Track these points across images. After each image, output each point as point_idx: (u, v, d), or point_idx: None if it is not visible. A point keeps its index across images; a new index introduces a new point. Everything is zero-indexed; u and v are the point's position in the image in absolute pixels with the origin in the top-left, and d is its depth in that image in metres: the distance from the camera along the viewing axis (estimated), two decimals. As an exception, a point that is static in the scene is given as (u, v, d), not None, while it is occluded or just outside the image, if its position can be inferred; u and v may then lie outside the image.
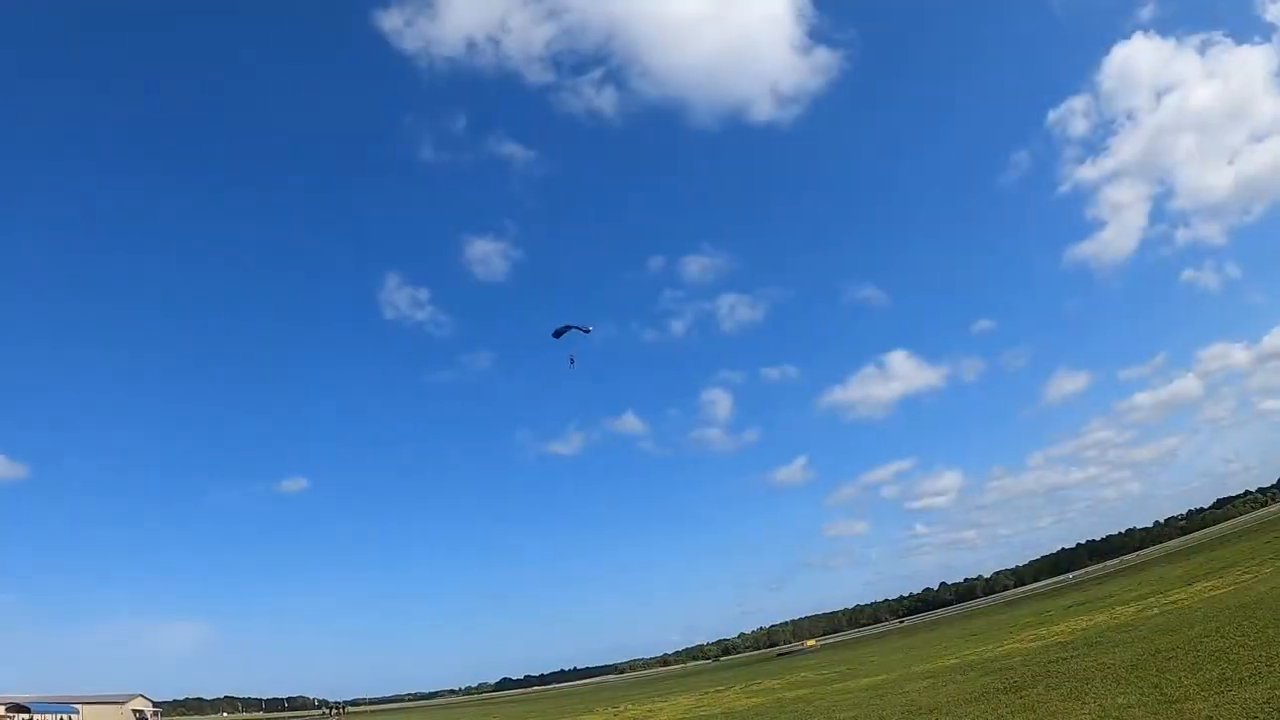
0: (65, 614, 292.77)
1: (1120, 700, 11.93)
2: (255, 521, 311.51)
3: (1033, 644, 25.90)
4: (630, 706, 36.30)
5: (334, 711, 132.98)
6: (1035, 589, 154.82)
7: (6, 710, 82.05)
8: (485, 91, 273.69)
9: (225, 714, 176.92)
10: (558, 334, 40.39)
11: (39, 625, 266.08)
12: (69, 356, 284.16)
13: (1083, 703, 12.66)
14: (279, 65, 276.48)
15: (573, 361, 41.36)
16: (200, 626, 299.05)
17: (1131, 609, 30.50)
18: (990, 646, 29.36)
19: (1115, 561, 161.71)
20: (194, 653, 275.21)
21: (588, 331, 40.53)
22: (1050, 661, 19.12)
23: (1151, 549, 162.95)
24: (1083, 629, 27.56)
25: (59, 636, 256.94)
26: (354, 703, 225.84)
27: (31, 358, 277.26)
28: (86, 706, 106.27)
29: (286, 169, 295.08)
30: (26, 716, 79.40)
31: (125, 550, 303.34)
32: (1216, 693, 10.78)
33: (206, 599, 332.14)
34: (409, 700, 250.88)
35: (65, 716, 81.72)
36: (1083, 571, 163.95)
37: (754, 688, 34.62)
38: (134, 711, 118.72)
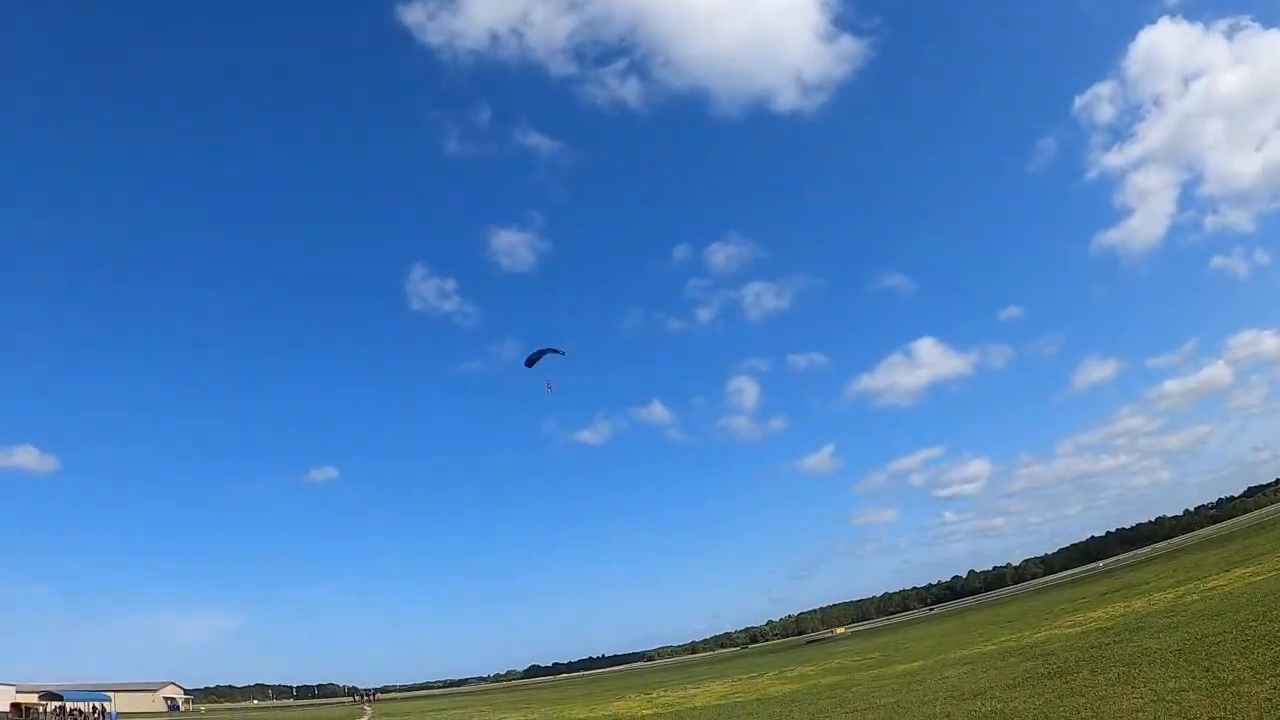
0: (97, 604, 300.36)
1: (1172, 684, 11.85)
2: (285, 511, 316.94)
3: (1071, 630, 25.73)
4: (663, 692, 36.57)
5: (363, 699, 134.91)
6: (1066, 576, 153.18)
7: (40, 699, 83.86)
8: (509, 84, 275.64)
9: (256, 700, 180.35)
10: (530, 362, 40.36)
11: (72, 616, 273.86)
12: (99, 350, 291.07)
13: (1133, 686, 12.58)
14: (305, 62, 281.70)
15: (550, 387, 41.58)
16: (231, 616, 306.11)
17: (1170, 595, 30.12)
18: (1027, 633, 29.21)
19: (1146, 549, 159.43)
20: (225, 642, 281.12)
21: (562, 353, 40.47)
22: (1092, 647, 19.01)
23: (1183, 537, 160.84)
24: (1122, 615, 27.29)
25: (92, 626, 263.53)
26: (384, 690, 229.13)
27: (61, 351, 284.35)
28: (118, 694, 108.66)
29: (313, 164, 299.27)
30: (59, 704, 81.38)
31: (156, 541, 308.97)
32: (1272, 675, 10.67)
33: (237, 588, 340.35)
34: (438, 688, 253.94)
35: (98, 704, 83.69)
36: (1113, 560, 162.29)
37: (788, 674, 34.73)
38: (165, 699, 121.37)
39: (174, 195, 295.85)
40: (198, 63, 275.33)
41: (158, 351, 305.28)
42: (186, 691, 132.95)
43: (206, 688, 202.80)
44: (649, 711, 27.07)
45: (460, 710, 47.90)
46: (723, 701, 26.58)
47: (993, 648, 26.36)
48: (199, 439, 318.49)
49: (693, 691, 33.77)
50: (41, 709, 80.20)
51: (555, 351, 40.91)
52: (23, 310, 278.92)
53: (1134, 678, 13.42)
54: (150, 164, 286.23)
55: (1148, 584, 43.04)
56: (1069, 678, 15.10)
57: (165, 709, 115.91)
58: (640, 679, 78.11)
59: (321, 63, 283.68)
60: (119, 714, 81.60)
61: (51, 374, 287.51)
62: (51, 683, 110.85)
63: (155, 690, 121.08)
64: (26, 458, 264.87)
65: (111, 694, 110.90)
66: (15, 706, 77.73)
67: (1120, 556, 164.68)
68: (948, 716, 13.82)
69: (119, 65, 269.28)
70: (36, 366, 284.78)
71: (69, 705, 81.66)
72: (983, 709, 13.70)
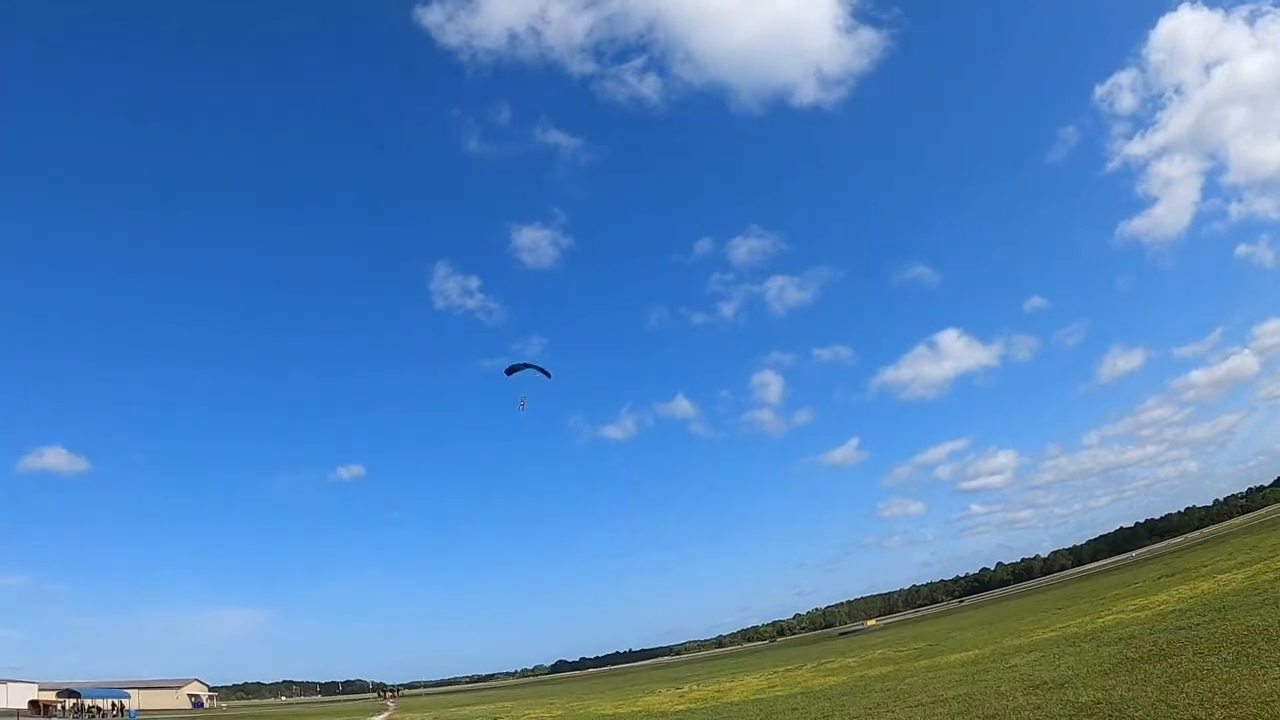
0: (128, 603, 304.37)
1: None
2: (314, 509, 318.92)
3: (1141, 614, 23.62)
4: (695, 686, 34.74)
5: (386, 694, 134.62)
6: (1100, 566, 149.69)
7: (58, 695, 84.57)
8: (529, 82, 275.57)
9: (284, 697, 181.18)
10: (510, 371, 39.12)
11: (102, 614, 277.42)
12: (127, 352, 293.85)
13: (1261, 667, 10.69)
14: (325, 65, 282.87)
15: (523, 405, 40.32)
16: (259, 613, 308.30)
17: (1240, 576, 27.87)
18: (1087, 619, 27.06)
19: (1179, 539, 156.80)
20: (254, 639, 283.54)
21: (547, 375, 39.30)
22: (1179, 628, 17.00)
23: (1215, 526, 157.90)
24: (1193, 596, 25.18)
25: (122, 624, 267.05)
26: (410, 686, 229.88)
27: (91, 353, 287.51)
28: (143, 691, 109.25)
29: (335, 165, 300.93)
30: (77, 701, 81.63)
31: (185, 540, 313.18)
32: None
33: (266, 586, 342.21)
34: (466, 683, 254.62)
35: (117, 701, 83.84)
36: (1145, 550, 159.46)
37: (828, 666, 32.78)
38: (189, 696, 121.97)
39: (201, 196, 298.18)
40: (219, 69, 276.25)
41: (186, 352, 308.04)
42: (211, 688, 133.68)
43: (234, 684, 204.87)
44: (682, 706, 25.28)
45: (484, 706, 46.44)
46: (761, 695, 24.74)
47: (1053, 634, 24.29)
48: (228, 439, 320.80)
49: (726, 685, 31.93)
50: (60, 706, 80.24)
51: (540, 371, 39.99)
52: (51, 313, 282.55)
53: (1256, 657, 11.51)
54: (176, 164, 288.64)
55: (1205, 567, 40.72)
56: (1170, 661, 13.14)
57: (190, 706, 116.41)
58: (669, 673, 76.40)
59: (341, 66, 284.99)
60: (138, 711, 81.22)
61: (81, 376, 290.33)
62: (82, 680, 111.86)
63: (179, 688, 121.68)
64: (57, 459, 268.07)
65: (136, 691, 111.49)
66: (34, 704, 78.17)
67: (1153, 546, 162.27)
68: (1038, 709, 11.90)
69: (142, 69, 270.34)
70: (66, 369, 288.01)
71: (87, 702, 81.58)
72: (1081, 699, 11.75)
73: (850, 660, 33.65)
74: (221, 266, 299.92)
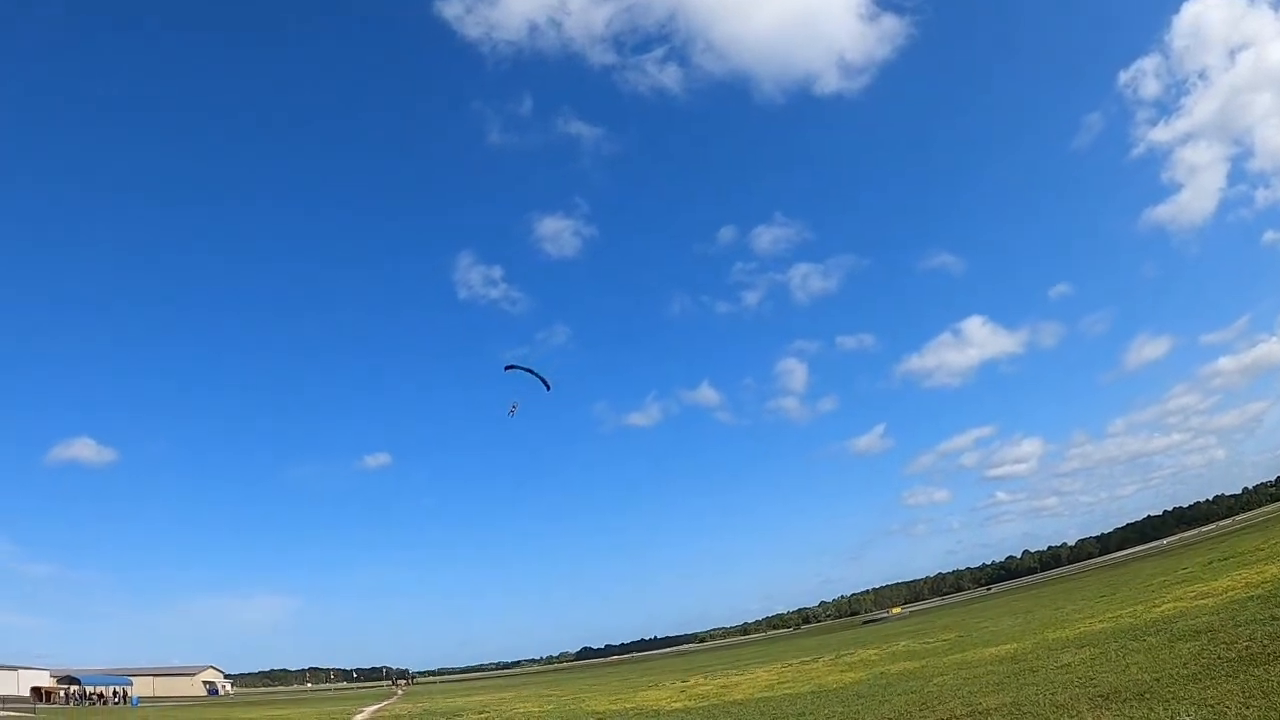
0: (156, 591, 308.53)
1: None
2: (340, 497, 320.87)
3: (1206, 601, 20.36)
4: (704, 679, 31.98)
5: (400, 682, 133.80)
6: (1131, 554, 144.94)
7: (58, 682, 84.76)
8: (550, 73, 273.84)
9: (310, 684, 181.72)
10: (509, 367, 37.34)
11: (130, 602, 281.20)
12: (154, 342, 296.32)
13: None
14: (346, 58, 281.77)
15: (513, 411, 38.55)
16: (288, 600, 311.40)
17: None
18: (1141, 607, 23.79)
19: (1212, 527, 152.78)
20: (282, 626, 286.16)
21: (547, 387, 37.44)
22: (1274, 619, 13.86)
23: (1250, 513, 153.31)
24: (1265, 581, 21.93)
25: (150, 612, 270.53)
26: (436, 673, 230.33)
27: (118, 344, 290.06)
28: (158, 679, 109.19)
29: (358, 157, 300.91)
30: (78, 688, 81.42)
31: (212, 528, 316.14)
32: None
33: (294, 574, 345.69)
34: (492, 670, 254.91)
35: (119, 688, 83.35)
36: (1176, 538, 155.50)
37: (846, 659, 29.75)
38: (205, 683, 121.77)
39: (224, 188, 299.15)
40: (242, 62, 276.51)
41: (211, 343, 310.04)
42: (228, 675, 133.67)
43: (261, 671, 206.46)
44: (679, 704, 22.46)
45: (484, 695, 44.10)
46: (768, 693, 21.84)
47: (1105, 625, 21.07)
48: (254, 429, 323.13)
49: (736, 679, 29.07)
50: (61, 693, 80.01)
51: (541, 380, 38.04)
52: (78, 304, 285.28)
53: None
54: (199, 156, 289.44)
55: (1260, 551, 37.29)
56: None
57: (204, 693, 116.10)
58: (686, 662, 73.86)
59: (362, 59, 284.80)
60: (140, 699, 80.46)
61: (109, 368, 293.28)
62: (101, 667, 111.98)
63: (194, 675, 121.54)
64: (85, 450, 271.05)
65: (152, 678, 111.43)
66: (36, 690, 78.29)
67: (1184, 534, 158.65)
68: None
69: (165, 62, 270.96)
70: (94, 361, 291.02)
71: (88, 689, 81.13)
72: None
73: (871, 652, 30.58)
74: (246, 258, 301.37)
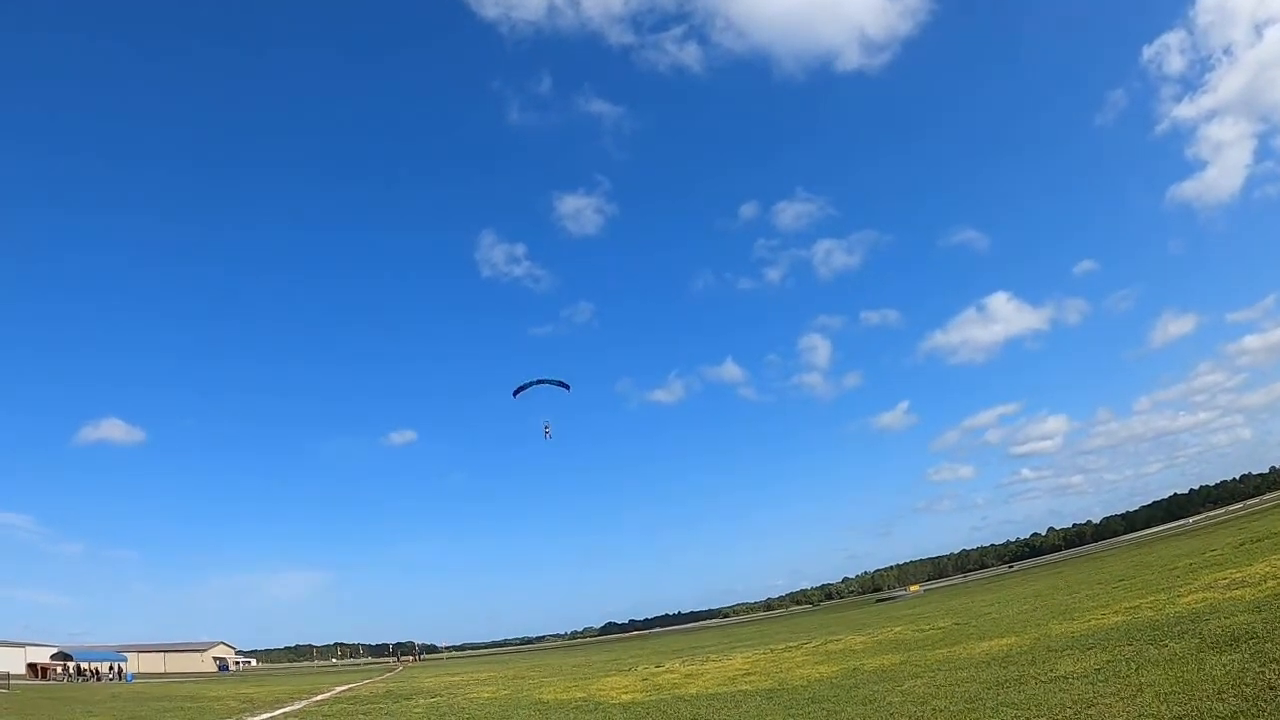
0: (184, 569, 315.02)
1: None
2: (367, 473, 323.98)
3: (1237, 593, 17.15)
4: (679, 665, 29.41)
5: (405, 658, 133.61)
6: (1156, 533, 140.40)
7: (51, 658, 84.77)
8: (569, 53, 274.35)
9: (334, 660, 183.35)
10: (518, 391, 34.69)
11: (160, 580, 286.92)
12: (183, 322, 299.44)
13: None
14: (366, 40, 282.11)
15: (548, 432, 35.84)
16: (314, 577, 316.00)
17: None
18: (1162, 596, 20.55)
19: (1240, 505, 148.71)
20: (308, 602, 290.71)
21: (567, 388, 34.77)
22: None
23: (1277, 493, 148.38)
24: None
25: (179, 590, 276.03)
26: (460, 648, 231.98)
27: (147, 325, 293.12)
28: (169, 654, 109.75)
29: (380, 140, 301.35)
30: (74, 664, 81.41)
31: (240, 507, 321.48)
32: None
33: (320, 551, 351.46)
34: (515, 644, 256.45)
35: (114, 664, 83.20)
36: (1205, 515, 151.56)
37: (830, 647, 26.88)
38: (215, 659, 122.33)
39: (249, 167, 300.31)
40: (262, 45, 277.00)
41: (238, 322, 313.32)
42: (239, 651, 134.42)
43: (286, 647, 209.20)
44: (629, 696, 19.88)
45: (458, 676, 42.25)
46: (725, 687, 19.11)
47: (1120, 619, 17.91)
48: (281, 406, 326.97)
49: (705, 667, 26.41)
50: (57, 669, 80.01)
51: (560, 385, 35.28)
52: (106, 285, 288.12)
53: None
54: (218, 135, 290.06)
55: (1301, 532, 33.88)
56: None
57: (215, 669, 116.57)
58: (686, 641, 71.65)
59: (382, 40, 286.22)
60: (134, 674, 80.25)
61: (137, 349, 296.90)
62: (127, 643, 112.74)
63: (205, 650, 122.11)
64: (114, 430, 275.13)
65: (163, 654, 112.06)
66: (31, 666, 78.33)
67: (1213, 512, 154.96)
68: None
69: (192, 57, 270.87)
70: (122, 342, 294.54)
71: (82, 665, 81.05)
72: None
73: (858, 640, 27.66)
74: (273, 240, 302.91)
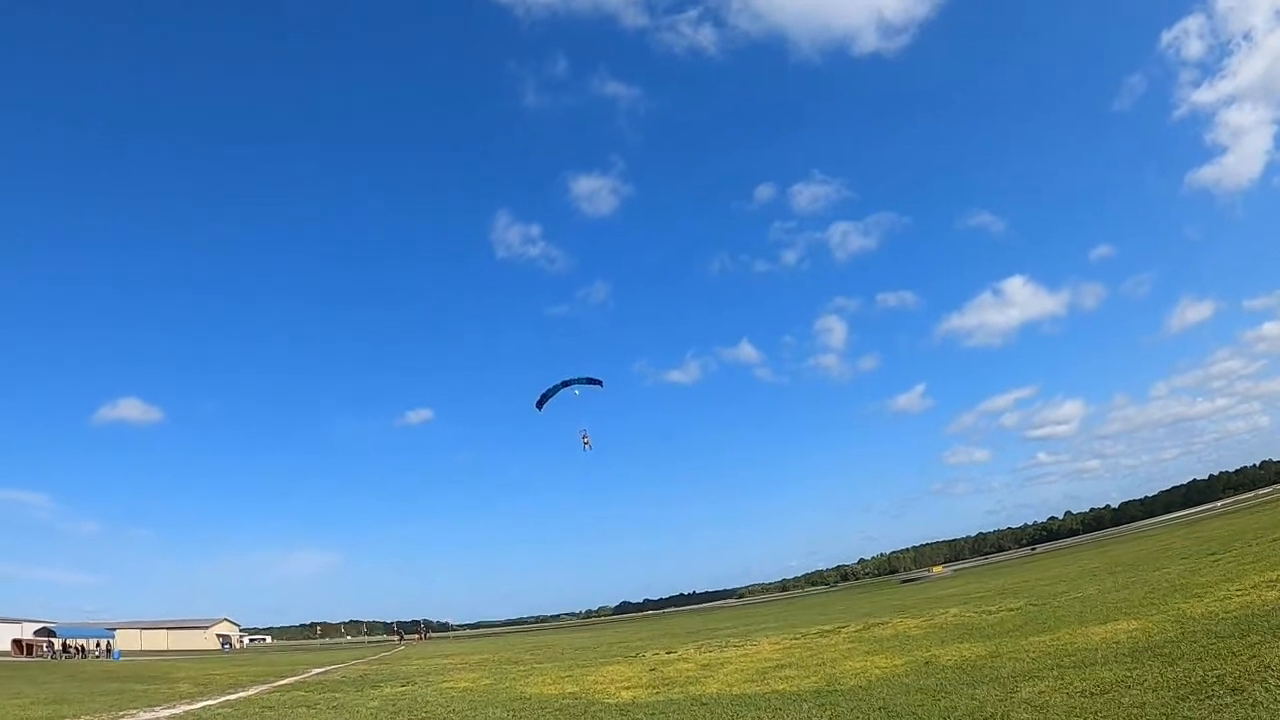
0: (202, 547, 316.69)
1: None
2: (383, 452, 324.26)
3: None
4: (692, 652, 25.06)
5: (412, 637, 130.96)
6: (1181, 518, 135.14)
7: (35, 635, 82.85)
8: (584, 34, 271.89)
9: (349, 637, 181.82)
10: (541, 403, 30.58)
11: (176, 558, 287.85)
12: (199, 302, 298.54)
13: None
14: (381, 23, 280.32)
15: (587, 442, 31.76)
16: (330, 555, 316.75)
17: None
18: (1224, 589, 16.02)
19: (1268, 490, 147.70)
20: (323, 580, 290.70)
21: (599, 384, 30.64)
22: None
23: None
24: None
25: (195, 568, 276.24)
26: (475, 626, 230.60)
27: (164, 305, 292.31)
28: (171, 632, 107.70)
29: (396, 122, 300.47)
30: (59, 640, 79.24)
31: (257, 486, 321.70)
32: None
33: (337, 529, 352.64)
34: (530, 623, 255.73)
35: (101, 641, 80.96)
36: (1231, 500, 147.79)
37: (877, 632, 22.33)
38: (219, 636, 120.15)
39: (264, 150, 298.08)
40: (277, 34, 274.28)
41: (254, 302, 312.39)
42: (242, 629, 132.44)
43: (301, 624, 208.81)
44: (627, 694, 15.62)
45: (448, 659, 38.53)
46: (755, 686, 14.67)
47: (1275, 594, 13.37)
48: (298, 386, 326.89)
49: (725, 655, 22.01)
50: (42, 645, 77.69)
51: (591, 383, 31.20)
52: (124, 265, 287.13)
53: None
54: (236, 121, 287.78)
55: None
56: None
57: (218, 646, 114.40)
58: (702, 622, 67.53)
59: (397, 23, 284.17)
60: (120, 651, 77.61)
61: (154, 328, 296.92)
62: (127, 620, 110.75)
63: (208, 627, 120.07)
64: (132, 409, 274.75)
65: (166, 631, 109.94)
66: (17, 643, 76.25)
67: (1239, 497, 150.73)
68: None
69: (211, 37, 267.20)
70: (140, 322, 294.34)
71: (66, 641, 78.62)
72: None
73: (912, 623, 23.07)
74: (290, 219, 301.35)
